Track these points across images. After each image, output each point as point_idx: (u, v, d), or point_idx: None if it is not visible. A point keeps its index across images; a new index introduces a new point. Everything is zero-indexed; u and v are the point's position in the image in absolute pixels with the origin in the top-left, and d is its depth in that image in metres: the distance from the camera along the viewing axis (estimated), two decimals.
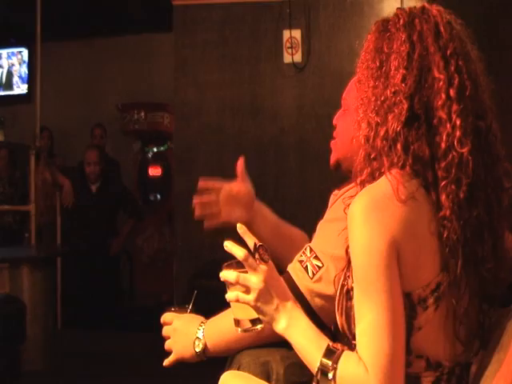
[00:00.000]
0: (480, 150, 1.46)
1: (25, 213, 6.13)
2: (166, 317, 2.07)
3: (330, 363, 1.42)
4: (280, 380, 1.83)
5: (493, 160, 1.49)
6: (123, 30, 8.20)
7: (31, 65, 8.45)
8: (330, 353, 1.44)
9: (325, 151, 2.23)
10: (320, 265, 1.83)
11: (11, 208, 6.62)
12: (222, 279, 1.58)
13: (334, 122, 2.14)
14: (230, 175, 5.66)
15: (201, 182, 2.22)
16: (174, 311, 2.08)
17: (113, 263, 6.89)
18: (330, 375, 1.41)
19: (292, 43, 5.39)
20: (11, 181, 6.99)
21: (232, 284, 1.56)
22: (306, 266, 1.85)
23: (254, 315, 1.59)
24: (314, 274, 1.83)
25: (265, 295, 1.53)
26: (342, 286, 1.55)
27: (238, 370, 1.89)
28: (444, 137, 1.43)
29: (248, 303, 1.54)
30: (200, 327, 1.97)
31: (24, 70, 8.90)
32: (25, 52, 8.82)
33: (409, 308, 1.41)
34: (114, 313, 6.58)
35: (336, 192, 2.08)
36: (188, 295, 2.18)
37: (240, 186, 2.48)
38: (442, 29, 1.50)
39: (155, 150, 8.26)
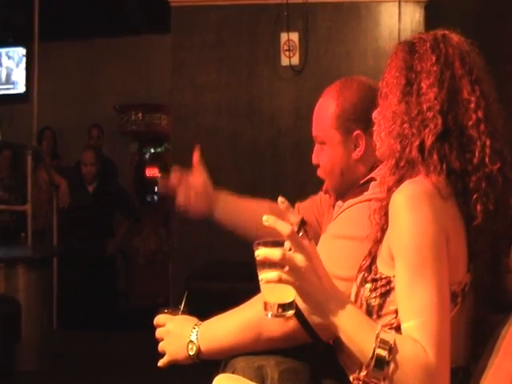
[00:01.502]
0: (502, 172, 1.55)
1: (23, 213, 6.12)
2: (159, 319, 2.06)
3: (385, 351, 1.38)
4: None
5: (507, 182, 1.56)
6: (121, 31, 8.20)
7: (29, 65, 8.46)
8: (382, 340, 1.39)
9: None
10: None
11: (8, 208, 6.62)
12: (259, 258, 1.43)
13: (314, 161, 2.13)
14: (227, 177, 5.68)
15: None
16: (166, 313, 2.07)
17: (109, 264, 6.88)
18: (386, 362, 1.37)
19: (289, 46, 5.39)
20: (13, 182, 7.00)
21: (271, 263, 1.42)
22: None
23: (287, 299, 1.46)
24: None
25: (310, 275, 1.43)
26: (364, 276, 1.58)
27: (233, 374, 1.89)
28: (476, 153, 1.51)
29: (292, 283, 1.42)
30: (194, 330, 1.96)
31: (22, 69, 8.90)
32: (23, 52, 8.82)
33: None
34: (109, 314, 6.58)
35: (340, 203, 2.07)
36: (184, 293, 2.18)
37: (195, 177, 2.48)
38: (465, 54, 1.59)
39: (152, 151, 8.27)
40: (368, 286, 1.55)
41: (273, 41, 5.46)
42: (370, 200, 1.82)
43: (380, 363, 1.38)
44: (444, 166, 1.50)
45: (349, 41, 5.32)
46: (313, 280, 1.43)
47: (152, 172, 8.08)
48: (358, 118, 2.01)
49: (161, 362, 2.02)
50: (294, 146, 5.36)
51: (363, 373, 1.42)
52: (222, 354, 1.94)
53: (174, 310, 2.09)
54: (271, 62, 5.46)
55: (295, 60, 5.41)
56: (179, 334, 1.98)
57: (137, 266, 7.67)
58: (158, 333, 2.05)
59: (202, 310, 2.05)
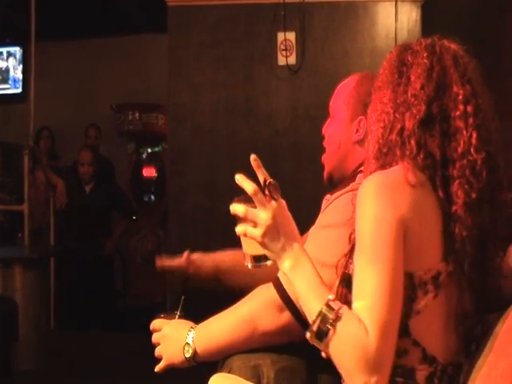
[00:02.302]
0: (489, 169, 1.54)
1: (18, 212, 6.12)
2: (155, 323, 2.08)
3: (330, 316, 1.41)
4: None
5: (498, 184, 1.57)
6: (118, 31, 8.20)
7: (26, 64, 8.45)
8: (331, 305, 1.43)
9: (319, 154, 2.25)
10: None
11: (5, 207, 6.61)
12: (231, 212, 1.56)
13: (323, 131, 2.20)
14: (224, 177, 5.67)
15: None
16: (163, 317, 2.08)
17: (106, 264, 6.88)
18: (329, 327, 1.40)
19: (286, 45, 5.40)
20: (5, 181, 6.98)
21: (241, 218, 1.55)
22: None
23: (260, 251, 1.57)
24: None
25: (272, 232, 1.52)
26: (343, 273, 1.60)
27: (229, 373, 1.89)
28: (461, 143, 1.52)
29: (255, 238, 1.53)
30: (190, 332, 1.96)
31: (19, 69, 8.90)
32: (20, 51, 8.82)
33: (410, 289, 1.46)
34: (107, 313, 6.58)
35: (328, 197, 2.10)
36: (181, 297, 2.18)
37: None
38: (459, 59, 1.60)
39: (149, 150, 8.27)
40: (345, 283, 1.58)
41: (270, 40, 5.46)
42: (354, 190, 1.84)
43: (323, 327, 1.41)
44: (422, 151, 1.52)
45: (346, 40, 5.32)
46: (274, 236, 1.52)
47: (149, 172, 8.08)
48: (367, 106, 2.04)
49: (158, 367, 2.03)
50: (291, 146, 5.36)
51: (307, 335, 1.44)
52: (219, 354, 1.95)
53: (169, 314, 2.10)
54: (268, 61, 5.47)
55: (292, 59, 5.41)
56: (175, 338, 1.99)
57: (134, 265, 7.68)
58: (155, 337, 2.06)
59: (199, 310, 2.06)
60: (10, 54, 8.92)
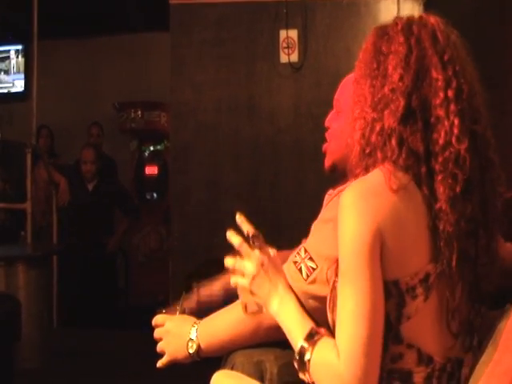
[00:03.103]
0: (476, 152, 1.49)
1: (19, 211, 6.12)
2: (157, 319, 2.08)
3: (306, 346, 1.47)
4: (273, 380, 1.84)
5: (487, 163, 1.52)
6: (120, 29, 8.20)
7: (28, 63, 8.46)
8: (310, 336, 1.49)
9: (321, 151, 2.23)
10: (314, 266, 1.82)
11: (7, 206, 6.62)
12: (225, 266, 1.69)
13: (327, 123, 2.14)
14: (227, 175, 5.67)
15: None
16: (164, 313, 2.09)
17: (109, 262, 6.89)
18: (307, 357, 1.46)
19: (288, 43, 5.40)
20: (3, 176, 6.98)
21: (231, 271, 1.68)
22: (301, 267, 1.84)
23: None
24: (308, 276, 1.82)
25: (258, 280, 1.62)
26: (334, 282, 1.56)
27: (232, 369, 1.89)
28: (442, 134, 1.47)
29: (244, 287, 1.64)
30: (193, 328, 1.97)
31: (21, 67, 8.90)
32: (22, 50, 8.82)
33: (397, 296, 1.43)
34: (109, 311, 6.59)
35: (331, 192, 2.08)
36: (182, 294, 2.19)
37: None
38: (439, 35, 1.54)
39: (152, 148, 8.27)
40: (336, 291, 1.55)
41: (272, 38, 5.46)
42: None
43: (303, 357, 1.47)
44: (403, 150, 1.47)
45: (348, 38, 5.32)
46: (260, 283, 1.63)
47: (152, 170, 8.08)
48: None
49: (160, 363, 2.03)
50: (293, 143, 5.37)
51: (295, 364, 1.50)
52: (223, 349, 1.96)
53: (171, 310, 2.10)
54: (270, 59, 5.47)
55: (294, 57, 5.42)
56: (178, 334, 1.99)
57: (137, 263, 7.68)
58: (157, 333, 2.06)
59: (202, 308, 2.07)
60: (11, 53, 8.93)
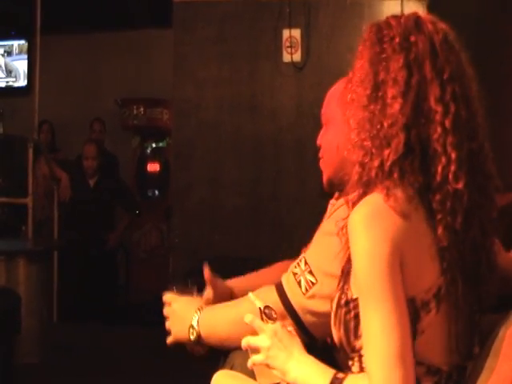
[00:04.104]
0: (473, 172, 1.49)
1: (20, 206, 6.14)
2: (166, 297, 2.12)
3: (340, 377, 1.45)
4: None
5: (485, 179, 1.52)
6: (123, 25, 8.21)
7: (31, 58, 8.46)
8: (335, 379, 1.46)
9: None
10: (314, 281, 1.82)
11: (8, 201, 6.62)
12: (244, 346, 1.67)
13: (318, 142, 2.12)
14: (228, 173, 5.67)
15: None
16: (174, 291, 2.12)
17: (109, 258, 6.91)
18: None
19: (291, 42, 5.39)
20: (3, 170, 6.98)
21: (249, 350, 1.65)
22: (300, 280, 1.84)
23: (273, 380, 1.65)
24: (307, 290, 1.82)
25: (273, 351, 1.58)
26: (339, 298, 1.56)
27: (231, 370, 1.91)
28: (439, 169, 1.46)
29: (261, 362, 1.60)
30: (196, 314, 2.00)
31: (23, 63, 8.91)
32: (24, 45, 8.82)
33: (412, 313, 1.42)
34: (109, 307, 6.60)
35: (333, 202, 2.07)
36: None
37: (215, 292, 2.41)
38: (438, 48, 1.51)
39: (154, 145, 8.28)
40: (343, 309, 1.53)
41: (275, 37, 5.46)
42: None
43: None
44: (405, 181, 1.46)
45: (351, 38, 5.30)
46: (276, 353, 1.58)
47: (153, 167, 8.09)
48: None
49: (168, 341, 2.09)
50: (295, 142, 5.37)
51: None
52: (220, 345, 1.99)
53: (182, 288, 2.14)
54: (273, 58, 5.47)
55: (297, 57, 5.41)
56: (182, 316, 2.03)
57: (137, 260, 7.69)
58: (165, 311, 2.11)
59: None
60: (14, 48, 8.93)
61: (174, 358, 4.70)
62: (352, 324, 1.50)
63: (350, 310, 1.51)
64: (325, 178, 2.11)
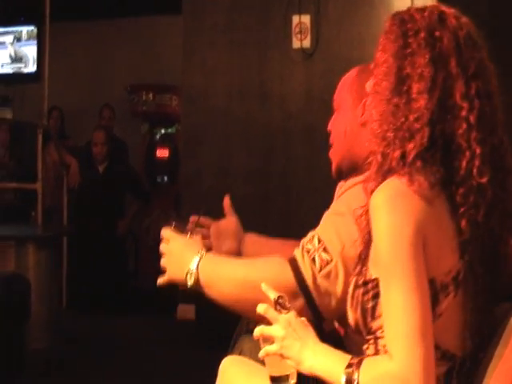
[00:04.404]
0: (495, 167, 1.50)
1: (30, 191, 6.16)
2: (164, 233, 2.00)
3: (351, 369, 1.43)
4: None
5: (505, 173, 1.54)
6: (133, 12, 8.19)
7: (40, 44, 8.45)
8: (352, 363, 1.45)
9: None
10: (329, 259, 1.79)
11: (18, 186, 6.65)
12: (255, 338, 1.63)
13: (329, 127, 2.13)
14: (238, 160, 5.67)
15: (192, 218, 2.19)
16: (173, 229, 2.01)
17: (119, 244, 6.92)
18: (355, 377, 1.42)
19: (301, 29, 5.37)
20: (13, 155, 7.02)
21: (261, 340, 1.61)
22: (314, 257, 1.81)
23: (273, 373, 1.63)
24: (321, 268, 1.79)
25: (288, 341, 1.56)
26: (357, 280, 1.57)
27: (239, 355, 1.90)
28: (464, 164, 1.48)
29: (275, 352, 1.57)
30: (196, 257, 1.89)
31: (33, 49, 8.90)
32: (34, 31, 8.81)
33: (432, 295, 1.43)
34: (118, 294, 6.62)
35: (342, 183, 2.07)
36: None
37: (228, 221, 2.42)
38: (462, 45, 1.52)
39: (163, 131, 8.27)
40: (360, 290, 1.54)
41: (284, 23, 5.43)
42: None
43: (349, 381, 1.43)
44: (427, 171, 1.47)
45: (361, 25, 5.28)
46: (290, 343, 1.55)
47: (163, 153, 8.08)
48: None
49: (160, 280, 1.97)
50: (304, 129, 5.35)
51: None
52: (219, 300, 1.89)
53: (180, 227, 2.03)
54: (282, 44, 5.44)
55: (306, 43, 5.38)
56: (180, 257, 1.92)
57: (146, 247, 7.69)
58: (162, 247, 1.99)
59: None
60: (23, 34, 8.92)
61: (184, 343, 4.73)
62: (370, 304, 1.51)
63: (368, 290, 1.52)
64: (333, 167, 2.12)
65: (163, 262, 1.97)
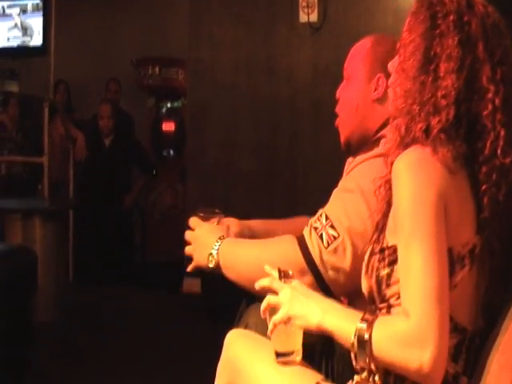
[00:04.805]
0: None
1: (36, 165, 6.17)
2: (191, 221, 2.15)
3: (364, 325, 1.44)
4: None
5: None
6: None
7: (46, 17, 8.41)
8: (365, 318, 1.46)
9: None
10: (336, 235, 1.83)
11: (25, 159, 6.66)
12: (262, 315, 1.65)
13: (338, 94, 2.14)
14: (244, 135, 5.65)
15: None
16: (200, 216, 2.16)
17: (125, 218, 6.94)
18: (366, 335, 1.42)
19: (308, 3, 5.32)
20: (20, 129, 7.03)
21: (269, 311, 1.63)
22: (321, 234, 1.85)
23: (279, 349, 1.65)
24: (329, 244, 1.83)
25: (294, 302, 1.58)
26: (373, 248, 1.59)
27: (245, 329, 1.91)
28: (488, 144, 1.51)
29: (283, 318, 1.58)
30: (217, 243, 2.02)
31: (39, 20, 8.86)
32: (40, 4, 8.77)
33: (449, 264, 1.45)
34: (125, 268, 6.64)
35: (350, 160, 2.08)
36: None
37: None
38: (489, 32, 1.56)
39: (169, 105, 8.26)
40: (376, 256, 1.56)
41: None
42: (379, 156, 1.84)
43: (360, 338, 1.43)
44: (450, 145, 1.50)
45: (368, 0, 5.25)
46: (296, 303, 1.57)
47: (169, 126, 8.07)
48: (385, 64, 1.97)
49: (189, 268, 2.12)
50: (311, 104, 5.33)
51: (352, 356, 1.46)
52: (238, 280, 2.00)
53: (208, 212, 2.19)
54: (289, 18, 5.41)
55: (313, 17, 5.35)
56: (204, 243, 2.06)
57: (153, 220, 7.71)
58: (187, 235, 2.14)
59: None
60: (29, 7, 8.88)
61: (189, 317, 4.76)
62: (385, 271, 1.53)
63: (384, 257, 1.54)
64: (342, 139, 2.13)
65: (188, 249, 2.12)
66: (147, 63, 8.03)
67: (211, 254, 2.01)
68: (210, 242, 2.03)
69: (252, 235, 2.26)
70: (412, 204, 1.45)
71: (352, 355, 1.46)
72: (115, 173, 6.69)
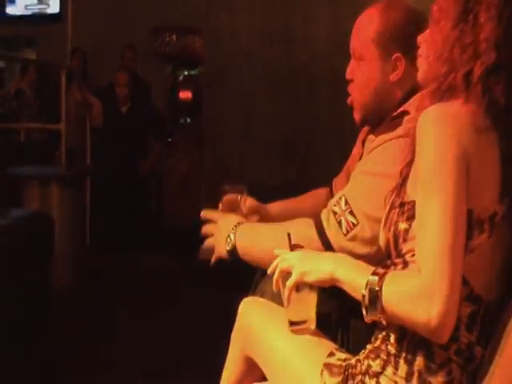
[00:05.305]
0: None
1: (54, 131, 6.19)
2: (205, 214, 2.20)
3: (376, 278, 1.44)
4: None
5: None
6: None
7: None
8: (375, 274, 1.46)
9: None
10: (355, 222, 1.81)
11: (42, 127, 6.68)
12: (275, 288, 1.68)
13: (348, 76, 2.05)
14: (262, 103, 5.63)
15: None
16: (227, 190, 2.24)
17: (141, 185, 6.95)
18: (377, 288, 1.43)
19: None
20: (38, 96, 7.05)
21: (282, 279, 1.64)
22: (340, 220, 1.83)
23: (292, 318, 1.66)
24: (347, 232, 1.82)
25: (305, 257, 1.61)
26: (394, 201, 1.58)
27: (261, 297, 1.92)
28: None
29: (297, 279, 1.59)
30: (234, 228, 2.04)
31: None
32: None
33: (467, 226, 1.44)
34: (141, 234, 6.67)
35: (372, 137, 2.03)
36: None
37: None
38: None
39: (186, 73, 8.24)
40: (396, 210, 1.55)
41: None
42: (402, 136, 1.78)
43: (371, 290, 1.44)
44: (486, 98, 1.47)
45: None
46: (307, 258, 1.61)
47: (185, 94, 8.06)
48: (400, 41, 1.94)
49: (212, 259, 2.16)
50: (329, 72, 5.31)
51: (364, 316, 1.47)
52: (255, 263, 2.02)
53: (236, 187, 2.25)
54: None
55: None
56: (224, 230, 2.07)
57: (169, 187, 7.72)
58: (205, 229, 2.18)
59: None
60: None
61: (205, 283, 4.79)
62: (403, 226, 1.53)
63: (403, 211, 1.54)
64: (358, 117, 2.06)
65: (209, 241, 2.16)
66: (164, 31, 8.01)
67: (229, 236, 2.02)
68: (228, 228, 2.04)
69: (271, 220, 2.27)
70: (433, 160, 1.43)
71: (363, 308, 1.46)
72: (132, 139, 6.69)
